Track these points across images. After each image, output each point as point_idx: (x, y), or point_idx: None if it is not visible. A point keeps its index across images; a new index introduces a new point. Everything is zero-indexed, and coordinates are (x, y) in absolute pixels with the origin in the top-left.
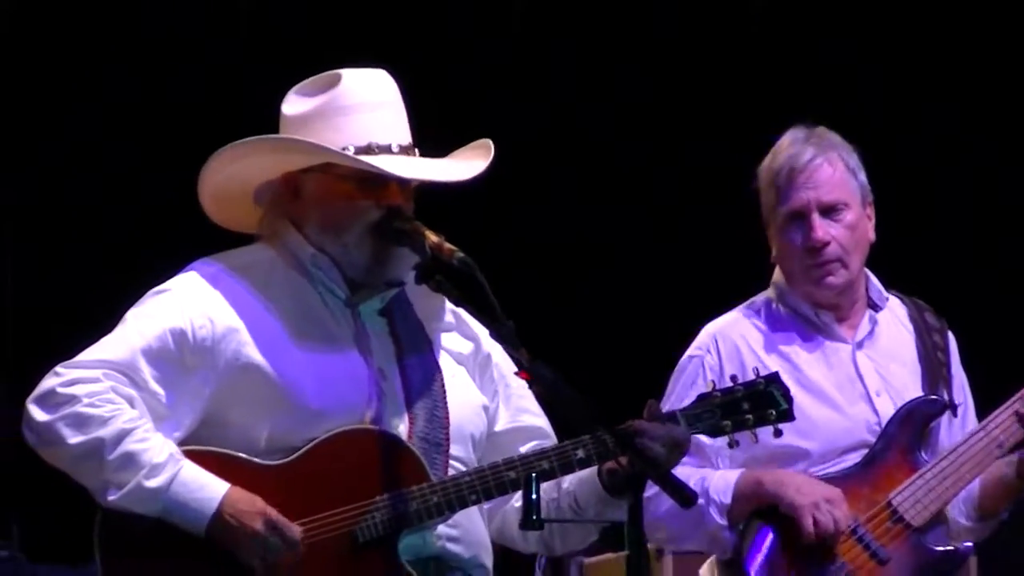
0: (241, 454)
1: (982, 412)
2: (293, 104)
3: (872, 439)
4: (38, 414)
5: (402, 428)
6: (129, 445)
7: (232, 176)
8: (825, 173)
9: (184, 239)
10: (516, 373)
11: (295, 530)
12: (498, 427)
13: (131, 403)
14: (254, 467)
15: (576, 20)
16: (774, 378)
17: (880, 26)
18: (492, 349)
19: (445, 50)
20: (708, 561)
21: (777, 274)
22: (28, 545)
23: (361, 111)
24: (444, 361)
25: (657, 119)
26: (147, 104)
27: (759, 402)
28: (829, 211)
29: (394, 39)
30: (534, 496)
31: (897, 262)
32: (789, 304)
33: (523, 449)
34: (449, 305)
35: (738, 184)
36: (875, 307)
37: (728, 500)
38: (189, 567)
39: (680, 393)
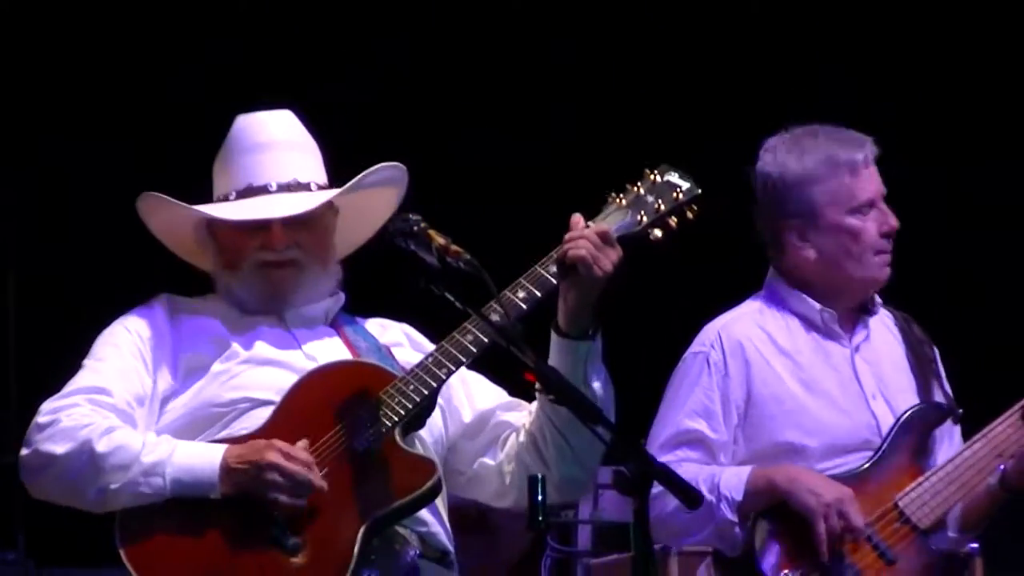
0: (216, 437)
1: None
2: (219, 152)
3: (873, 439)
4: (25, 451)
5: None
6: (118, 438)
7: (165, 232)
8: (874, 166)
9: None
10: (523, 375)
11: (302, 447)
12: (466, 419)
13: (109, 417)
14: (234, 440)
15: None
16: (665, 167)
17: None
18: None
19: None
20: (705, 562)
21: (773, 274)
22: (34, 550)
23: (243, 155)
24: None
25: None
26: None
27: (661, 190)
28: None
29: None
30: (539, 497)
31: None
32: (788, 304)
33: (503, 416)
34: (399, 327)
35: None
36: (869, 312)
37: (740, 496)
38: (215, 537)
39: (687, 390)
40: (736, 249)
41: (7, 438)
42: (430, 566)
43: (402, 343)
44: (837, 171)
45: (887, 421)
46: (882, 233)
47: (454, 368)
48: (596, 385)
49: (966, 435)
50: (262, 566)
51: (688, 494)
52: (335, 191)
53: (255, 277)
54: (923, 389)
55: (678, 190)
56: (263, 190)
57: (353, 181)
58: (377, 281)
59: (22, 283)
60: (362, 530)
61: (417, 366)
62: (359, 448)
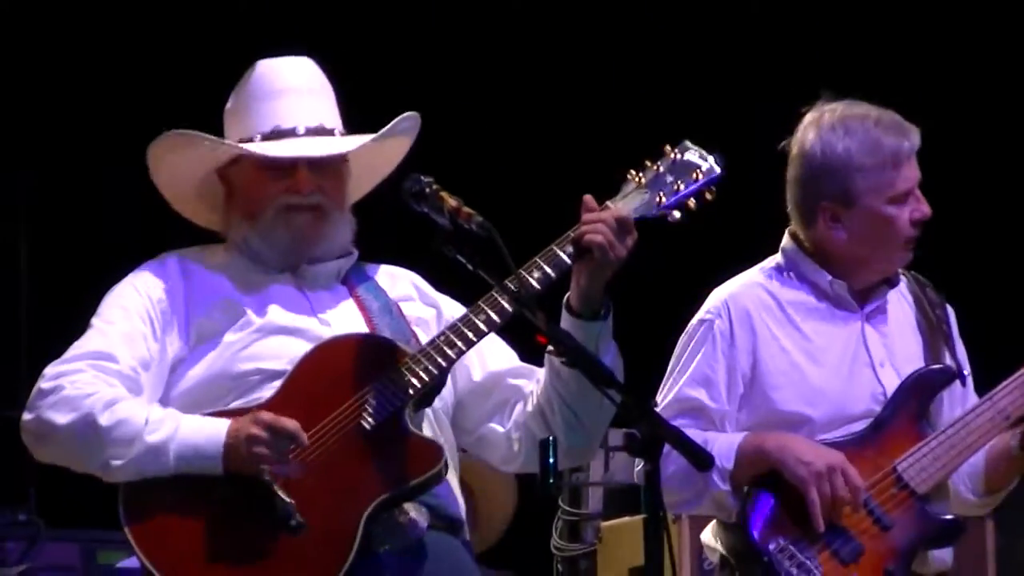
0: (222, 408)
1: (980, 386)
2: (229, 100)
3: (878, 408)
4: (27, 415)
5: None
6: (121, 411)
7: (171, 178)
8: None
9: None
10: (535, 337)
11: (291, 421)
12: (476, 377)
13: (113, 386)
14: (242, 413)
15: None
16: (687, 145)
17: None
18: (455, 313)
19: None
20: (710, 524)
21: (788, 240)
22: (45, 510)
23: (268, 99)
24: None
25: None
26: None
27: (681, 170)
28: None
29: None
30: (550, 459)
31: None
32: (800, 271)
33: (513, 381)
34: (409, 278)
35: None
36: (891, 284)
37: (730, 465)
38: (219, 515)
39: (690, 357)
40: (746, 214)
41: (18, 393)
42: (439, 537)
43: (412, 296)
44: (881, 160)
45: (894, 389)
46: (913, 221)
47: (465, 348)
48: (606, 363)
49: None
50: (266, 546)
51: (698, 456)
52: (368, 136)
53: (278, 222)
54: (931, 354)
55: (698, 170)
56: (291, 133)
57: (386, 128)
58: (386, 230)
59: (34, 243)
60: (366, 513)
61: (429, 344)
62: (367, 426)
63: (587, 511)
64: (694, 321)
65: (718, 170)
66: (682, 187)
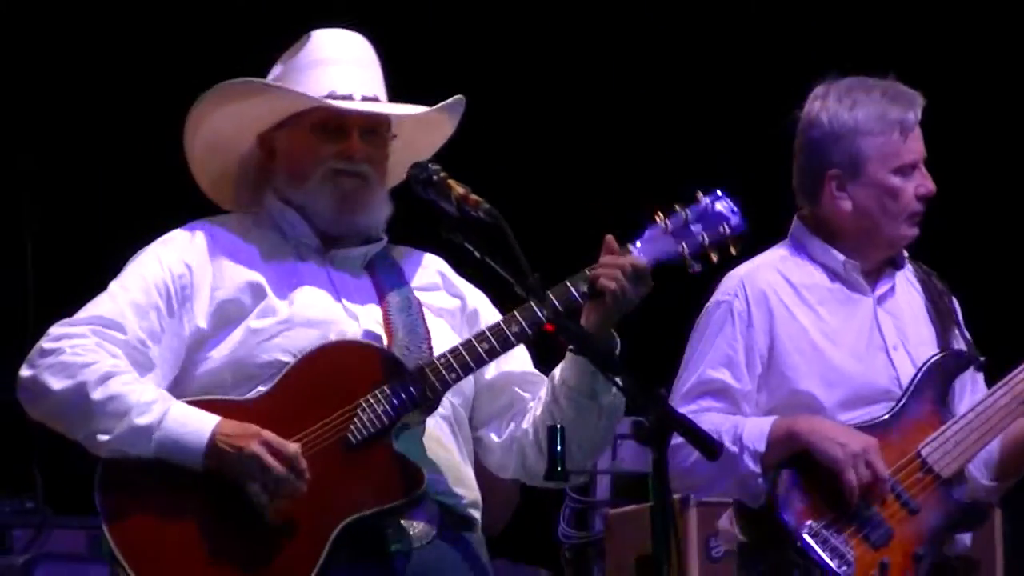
0: (218, 396)
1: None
2: (272, 71)
3: (893, 390)
4: (25, 371)
5: (381, 340)
6: (114, 387)
7: (209, 143)
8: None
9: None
10: (542, 326)
11: (292, 446)
12: (488, 375)
13: (115, 356)
14: (235, 404)
15: None
16: (719, 194)
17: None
18: (479, 304)
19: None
20: (727, 512)
21: (798, 223)
22: (52, 497)
23: (325, 65)
24: (424, 312)
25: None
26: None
27: (709, 220)
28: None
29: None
30: (558, 447)
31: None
32: (811, 253)
33: (519, 391)
34: (437, 267)
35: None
36: (897, 266)
37: (762, 448)
38: (191, 506)
39: (710, 339)
40: (760, 199)
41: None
42: (453, 536)
43: (437, 285)
44: (888, 128)
45: (907, 372)
46: (919, 195)
47: (463, 375)
48: (605, 400)
49: (990, 384)
50: (235, 549)
51: (706, 445)
52: (426, 108)
53: (327, 185)
54: (943, 340)
55: (726, 224)
56: (347, 99)
57: (447, 102)
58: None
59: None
60: (333, 534)
61: (427, 364)
62: (353, 440)
63: (594, 499)
64: (711, 303)
65: (745, 227)
66: (707, 240)
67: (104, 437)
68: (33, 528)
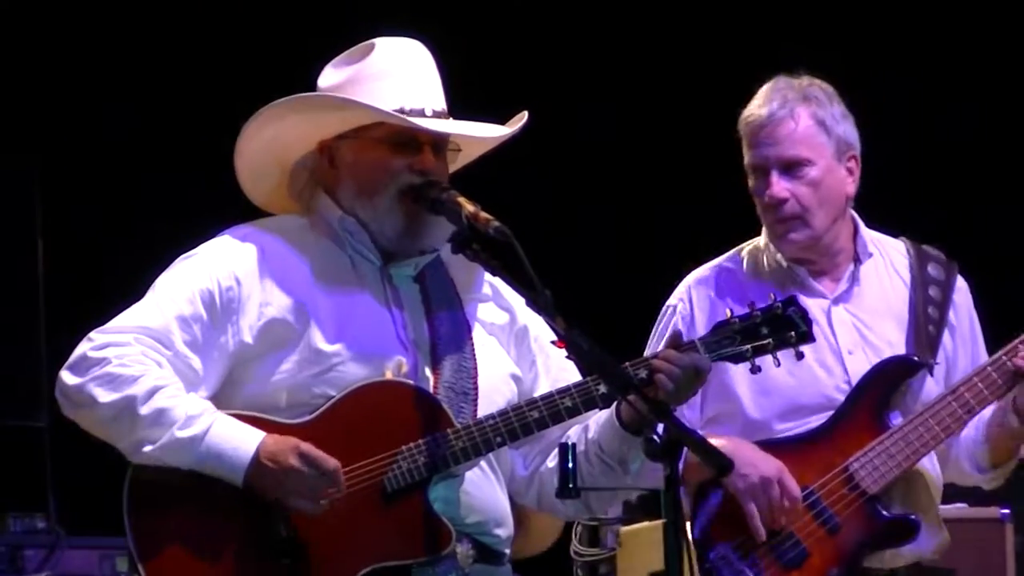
0: (266, 415)
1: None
2: (327, 76)
3: (837, 398)
4: (69, 379)
5: (428, 378)
6: (161, 400)
7: (267, 147)
8: (786, 128)
9: (223, 202)
10: (553, 342)
11: (332, 461)
12: (538, 395)
13: (161, 366)
14: (281, 427)
15: None
16: (792, 301)
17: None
18: (529, 320)
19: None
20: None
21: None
22: (64, 517)
23: (394, 77)
24: (475, 330)
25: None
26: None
27: (778, 325)
28: (789, 168)
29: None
30: (570, 465)
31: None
32: (769, 256)
33: (556, 428)
34: (487, 277)
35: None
36: (859, 260)
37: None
38: (222, 535)
39: (654, 343)
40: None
41: (36, 403)
42: (483, 569)
43: (488, 296)
44: (743, 131)
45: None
46: (764, 204)
47: (508, 441)
48: (633, 468)
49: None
50: (250, 567)
51: (717, 460)
52: (505, 129)
53: (399, 206)
54: (915, 338)
55: (793, 333)
56: (419, 114)
57: (517, 121)
58: None
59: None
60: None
61: (475, 424)
62: (388, 488)
63: (606, 516)
64: (664, 306)
65: (812, 338)
66: (772, 343)
67: (148, 447)
68: (45, 548)
